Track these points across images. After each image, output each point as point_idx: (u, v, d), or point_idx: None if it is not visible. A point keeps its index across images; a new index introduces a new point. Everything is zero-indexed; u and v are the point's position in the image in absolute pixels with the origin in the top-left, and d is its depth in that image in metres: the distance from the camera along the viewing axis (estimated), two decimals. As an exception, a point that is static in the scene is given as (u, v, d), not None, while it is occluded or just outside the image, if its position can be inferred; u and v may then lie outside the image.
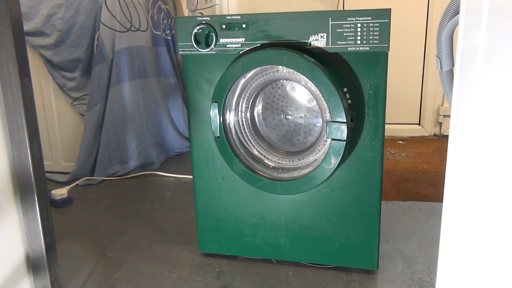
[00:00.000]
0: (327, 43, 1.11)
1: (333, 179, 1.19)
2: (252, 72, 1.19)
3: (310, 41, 1.12)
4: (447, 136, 2.02)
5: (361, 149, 1.16)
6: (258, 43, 1.16)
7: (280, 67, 1.16)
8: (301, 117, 1.28)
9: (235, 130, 1.26)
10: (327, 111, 1.10)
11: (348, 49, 1.10)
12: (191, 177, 1.44)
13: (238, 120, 1.27)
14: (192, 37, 1.20)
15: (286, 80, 1.25)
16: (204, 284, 1.23)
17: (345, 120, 1.08)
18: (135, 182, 2.10)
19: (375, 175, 1.17)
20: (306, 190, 1.20)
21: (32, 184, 0.97)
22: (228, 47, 1.19)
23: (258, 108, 1.31)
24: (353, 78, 1.12)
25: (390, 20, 1.06)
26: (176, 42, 2.52)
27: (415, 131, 2.86)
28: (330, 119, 1.10)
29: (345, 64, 1.11)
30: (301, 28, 1.12)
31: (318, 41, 1.11)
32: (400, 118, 2.88)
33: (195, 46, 1.21)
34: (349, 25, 1.08)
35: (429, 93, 2.78)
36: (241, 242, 1.33)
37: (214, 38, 1.19)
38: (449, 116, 2.68)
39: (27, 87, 0.94)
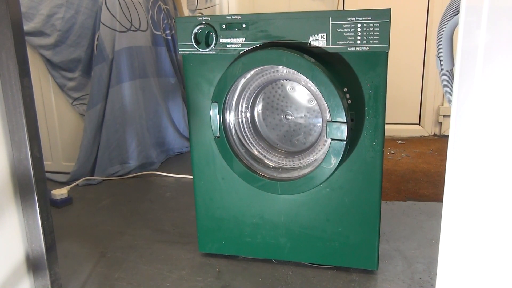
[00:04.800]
0: (327, 43, 1.11)
1: (333, 179, 1.19)
2: (252, 72, 1.19)
3: (310, 41, 1.12)
4: (447, 136, 2.02)
5: (361, 149, 1.16)
6: (258, 43, 1.16)
7: (280, 67, 1.16)
8: (301, 117, 1.28)
9: (235, 130, 1.26)
10: (327, 111, 1.10)
11: (348, 49, 1.10)
12: (191, 177, 1.44)
13: (238, 120, 1.27)
14: (192, 37, 1.20)
15: (286, 80, 1.25)
16: (204, 284, 1.23)
17: (345, 120, 1.08)
18: (135, 182, 2.10)
19: (375, 175, 1.17)
20: (306, 190, 1.20)
21: (32, 184, 0.97)
22: (228, 47, 1.19)
23: (258, 108, 1.31)
24: (353, 78, 1.12)
25: (390, 20, 1.06)
26: (176, 42, 2.52)
27: (415, 131, 2.86)
28: (330, 119, 1.10)
29: (345, 64, 1.11)
30: (301, 28, 1.12)
31: (318, 41, 1.11)
32: (400, 118, 2.88)
33: (195, 46, 1.21)
34: (349, 25, 1.08)
35: (429, 93, 2.78)
36: (241, 242, 1.33)
37: (214, 38, 1.19)
38: (449, 116, 2.68)
39: (27, 87, 0.94)
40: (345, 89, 1.13)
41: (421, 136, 2.84)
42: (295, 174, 1.23)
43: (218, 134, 1.22)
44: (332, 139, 1.10)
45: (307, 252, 1.28)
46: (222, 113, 1.20)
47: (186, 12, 2.62)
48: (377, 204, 1.19)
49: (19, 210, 0.99)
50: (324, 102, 1.11)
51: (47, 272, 1.02)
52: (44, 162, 1.05)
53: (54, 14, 1.99)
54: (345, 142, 1.09)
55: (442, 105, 2.78)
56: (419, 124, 2.89)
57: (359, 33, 1.08)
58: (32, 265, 1.02)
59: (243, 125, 1.28)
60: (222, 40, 1.19)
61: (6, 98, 0.93)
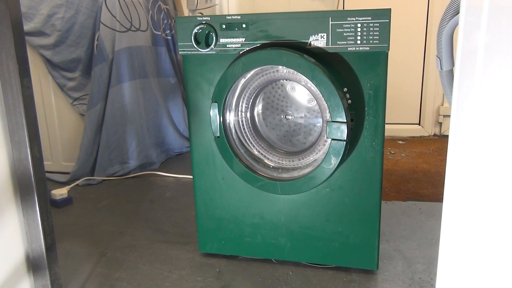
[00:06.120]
0: (327, 43, 1.11)
1: (333, 179, 1.19)
2: (252, 72, 1.19)
3: (310, 41, 1.12)
4: (447, 136, 2.02)
5: (361, 149, 1.16)
6: (258, 43, 1.16)
7: (280, 67, 1.16)
8: (301, 117, 1.28)
9: (235, 130, 1.26)
10: (327, 111, 1.10)
11: (348, 49, 1.10)
12: (191, 177, 1.44)
13: (238, 120, 1.27)
14: (192, 37, 1.20)
15: (286, 80, 1.25)
16: (204, 284, 1.23)
17: (345, 120, 1.08)
18: (135, 182, 2.10)
19: (375, 175, 1.17)
20: (306, 190, 1.20)
21: (32, 184, 0.97)
22: (228, 47, 1.19)
23: (258, 108, 1.31)
24: (353, 78, 1.12)
25: (390, 20, 1.06)
26: (176, 42, 2.52)
27: (415, 131, 2.86)
28: (330, 119, 1.10)
29: (345, 64, 1.11)
30: (301, 28, 1.12)
31: (318, 41, 1.11)
32: (400, 118, 2.88)
33: (195, 46, 1.21)
34: (349, 25, 1.08)
35: (429, 93, 2.78)
36: (241, 242, 1.33)
37: (214, 38, 1.19)
38: (449, 116, 2.68)
39: (27, 87, 0.94)
40: (345, 89, 1.13)
41: (421, 136, 2.84)
42: (295, 174, 1.23)
43: (218, 134, 1.22)
44: (332, 139, 1.10)
45: (307, 252, 1.28)
46: (222, 113, 1.20)
47: (186, 12, 2.62)
48: (377, 204, 1.19)
49: (19, 210, 0.99)
50: (324, 102, 1.11)
51: (47, 272, 1.02)
52: (44, 162, 1.05)
53: (54, 14, 1.99)
54: (345, 142, 1.09)
55: (442, 105, 2.78)
56: (419, 124, 2.89)
57: (359, 33, 1.08)
58: (32, 265, 1.02)
59: (243, 125, 1.28)
60: (222, 40, 1.19)
61: (6, 98, 0.93)
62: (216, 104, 1.19)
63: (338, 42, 1.10)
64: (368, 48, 1.08)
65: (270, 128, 1.32)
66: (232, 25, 1.17)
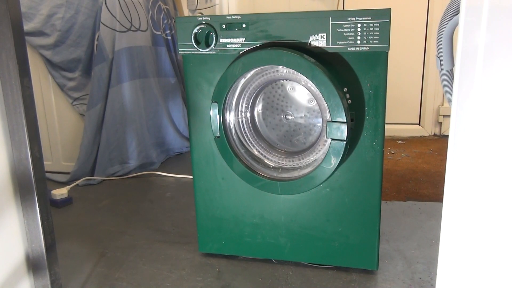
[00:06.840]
0: (327, 43, 1.11)
1: (333, 179, 1.19)
2: (252, 72, 1.19)
3: (310, 41, 1.12)
4: (447, 136, 2.02)
5: (361, 149, 1.16)
6: (258, 43, 1.16)
7: (280, 67, 1.16)
8: (301, 117, 1.28)
9: (235, 130, 1.26)
10: (327, 111, 1.10)
11: (348, 49, 1.10)
12: (191, 177, 1.44)
13: (238, 120, 1.27)
14: (192, 37, 1.20)
15: (286, 80, 1.25)
16: (204, 284, 1.23)
17: (345, 120, 1.08)
18: (135, 182, 2.10)
19: (375, 175, 1.17)
20: (306, 190, 1.20)
21: (32, 184, 0.97)
22: (228, 47, 1.19)
23: (258, 108, 1.31)
24: (353, 78, 1.12)
25: (390, 20, 1.06)
26: (176, 42, 2.52)
27: (415, 131, 2.86)
28: (330, 119, 1.10)
29: (345, 64, 1.11)
30: (301, 28, 1.12)
31: (318, 41, 1.11)
32: (400, 118, 2.88)
33: (195, 46, 1.21)
34: (349, 25, 1.08)
35: (429, 93, 2.78)
36: (241, 242, 1.33)
37: (214, 38, 1.19)
38: (449, 116, 2.68)
39: (27, 87, 0.94)
40: (345, 89, 1.13)
41: (421, 136, 2.84)
42: (295, 174, 1.23)
43: (218, 134, 1.22)
44: (332, 139, 1.10)
45: (307, 252, 1.28)
46: (222, 113, 1.20)
47: (186, 12, 2.62)
48: (377, 204, 1.19)
49: (19, 210, 0.99)
50: (324, 102, 1.11)
51: (47, 272, 1.02)
52: (44, 162, 1.05)
53: (54, 14, 1.99)
54: (345, 142, 1.09)
55: (442, 105, 2.78)
56: (419, 124, 2.89)
57: (359, 33, 1.08)
58: (32, 265, 1.02)
59: (243, 125, 1.28)
60: (222, 40, 1.19)
61: (6, 98, 0.93)
62: (216, 104, 1.19)
63: (338, 42, 1.10)
64: (368, 48, 1.08)
65: (270, 128, 1.32)
66: (232, 25, 1.17)
